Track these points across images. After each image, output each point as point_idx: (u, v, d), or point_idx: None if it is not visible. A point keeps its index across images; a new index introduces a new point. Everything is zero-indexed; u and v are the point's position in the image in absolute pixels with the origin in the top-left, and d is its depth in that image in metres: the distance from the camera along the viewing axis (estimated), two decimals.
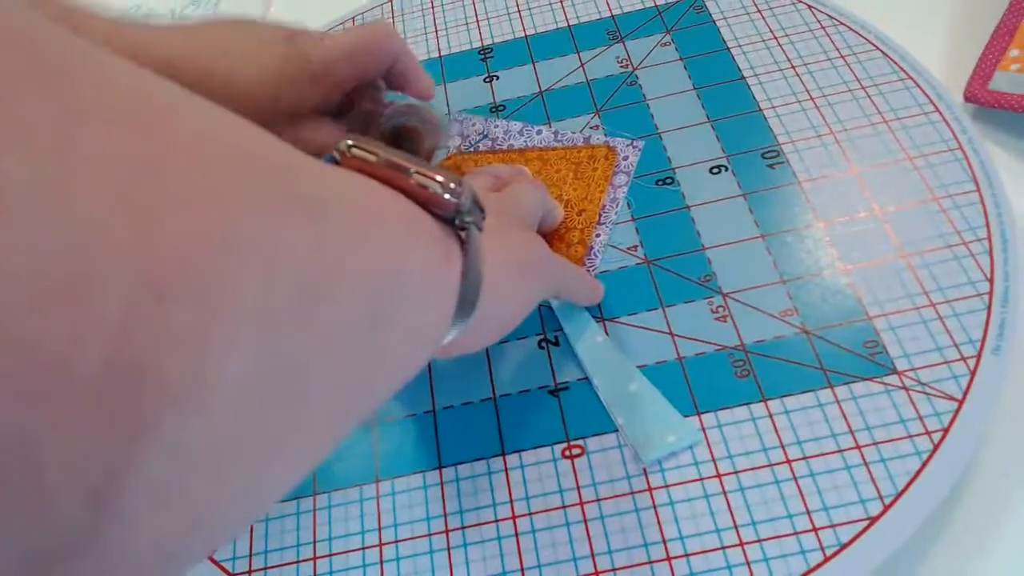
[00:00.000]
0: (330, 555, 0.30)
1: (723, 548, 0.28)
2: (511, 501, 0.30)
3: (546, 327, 0.35)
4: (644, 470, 0.30)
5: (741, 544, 0.28)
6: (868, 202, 0.35)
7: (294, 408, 0.14)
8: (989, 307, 0.31)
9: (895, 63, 0.40)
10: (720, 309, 0.34)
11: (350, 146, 0.21)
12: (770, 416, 0.30)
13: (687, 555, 0.28)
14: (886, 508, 0.27)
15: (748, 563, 0.27)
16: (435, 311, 0.20)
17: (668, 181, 0.39)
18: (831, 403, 0.30)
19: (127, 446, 0.11)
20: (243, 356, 0.12)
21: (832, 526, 0.28)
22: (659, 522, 0.29)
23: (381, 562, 0.30)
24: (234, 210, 0.13)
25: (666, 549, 0.28)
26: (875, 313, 0.32)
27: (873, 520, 0.27)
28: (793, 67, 0.41)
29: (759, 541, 0.28)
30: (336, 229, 0.16)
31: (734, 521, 0.28)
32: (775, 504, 0.28)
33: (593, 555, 0.29)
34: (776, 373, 0.31)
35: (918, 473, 0.28)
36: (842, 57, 0.41)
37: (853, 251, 0.34)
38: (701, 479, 0.30)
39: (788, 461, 0.29)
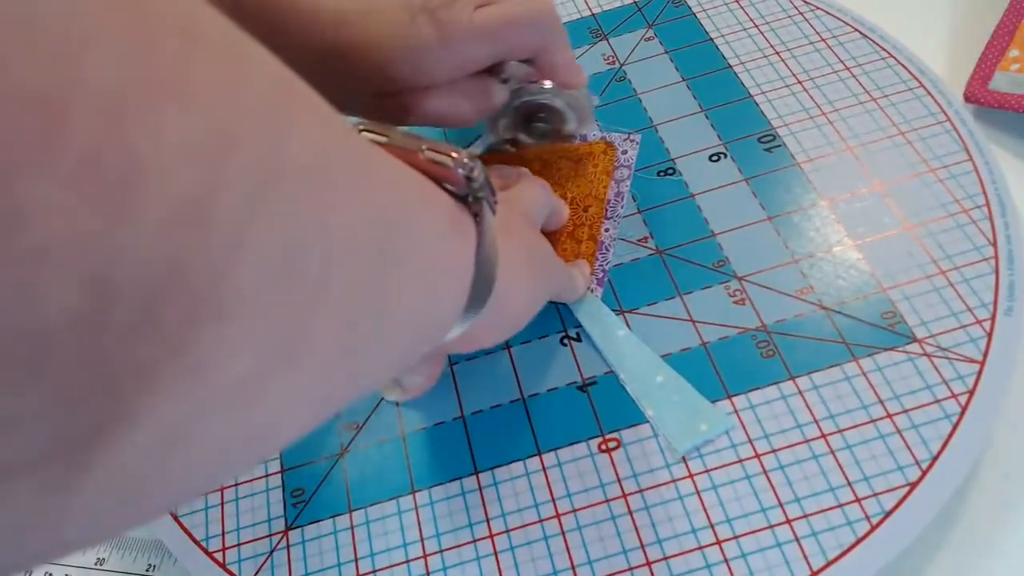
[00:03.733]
0: (374, 571, 0.30)
1: (771, 527, 0.28)
2: (553, 500, 0.30)
3: (566, 324, 0.35)
4: (683, 457, 0.30)
5: (788, 521, 0.28)
6: (867, 178, 0.36)
7: (313, 304, 0.14)
8: (996, 270, 0.32)
9: (875, 43, 0.41)
10: (737, 292, 0.34)
11: (361, 130, 0.21)
12: (800, 393, 0.31)
13: (736, 537, 0.28)
14: (924, 472, 0.28)
15: (797, 539, 0.28)
16: (448, 279, 0.20)
17: (669, 172, 0.39)
18: (857, 375, 0.31)
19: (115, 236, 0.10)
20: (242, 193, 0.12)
21: (875, 495, 0.28)
22: (704, 507, 0.29)
23: (428, 574, 0.29)
24: (245, 70, 0.12)
25: (715, 533, 0.28)
26: (889, 285, 0.33)
27: (913, 485, 0.28)
28: (777, 53, 0.42)
29: (805, 516, 0.28)
30: (352, 141, 0.16)
31: (778, 499, 0.29)
32: (816, 479, 0.29)
33: (643, 545, 0.29)
34: (800, 351, 0.32)
35: (950, 435, 0.29)
36: (823, 40, 0.42)
37: (859, 226, 0.35)
38: (740, 461, 0.30)
39: (823, 436, 0.30)
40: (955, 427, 0.29)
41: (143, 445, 0.11)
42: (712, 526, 0.29)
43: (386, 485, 0.32)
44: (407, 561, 0.30)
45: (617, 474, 0.30)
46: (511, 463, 0.31)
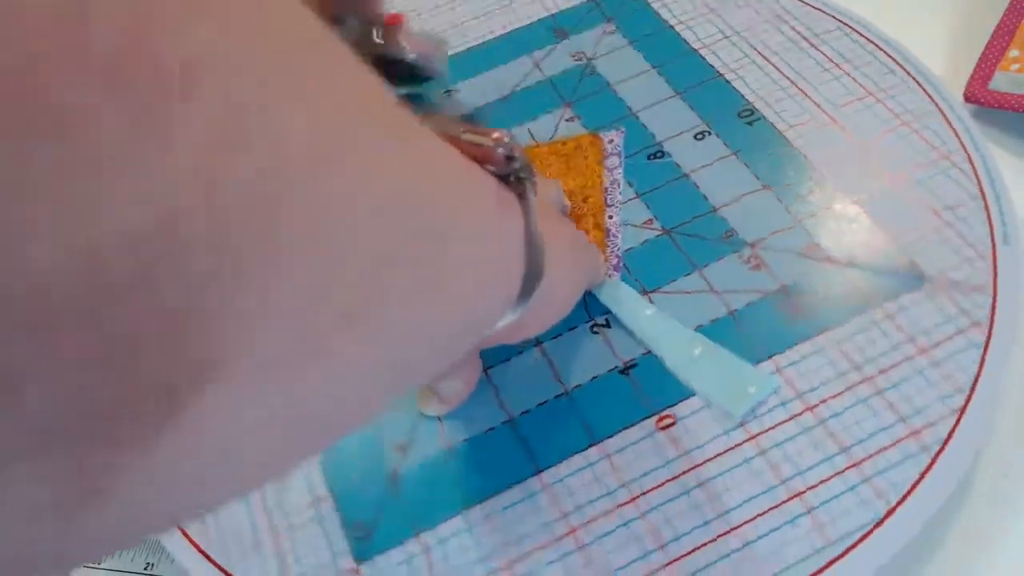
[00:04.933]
0: None
1: (839, 473, 0.29)
2: (623, 485, 0.30)
3: (592, 312, 0.35)
4: (740, 422, 0.31)
5: (854, 464, 0.29)
6: (849, 138, 0.38)
7: (346, 278, 0.13)
8: (986, 208, 0.35)
9: (828, 14, 0.44)
10: (752, 259, 0.35)
11: None
12: (835, 345, 0.32)
13: (811, 487, 0.29)
14: (968, 399, 0.30)
15: (867, 480, 0.29)
16: (496, 263, 0.20)
17: (659, 155, 0.40)
18: (884, 320, 0.32)
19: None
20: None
21: (928, 426, 0.29)
22: (772, 466, 0.30)
23: None
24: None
25: (790, 487, 0.29)
26: (893, 231, 0.35)
27: (961, 411, 0.29)
28: (737, 33, 0.44)
29: (869, 457, 0.29)
30: (393, 104, 0.16)
31: (839, 446, 0.30)
32: (869, 420, 0.30)
33: (725, 513, 0.29)
34: (823, 305, 0.33)
35: (982, 365, 0.30)
36: (779, 17, 0.44)
37: (851, 184, 0.37)
38: (793, 417, 0.31)
39: (866, 380, 0.31)
40: (983, 356, 0.31)
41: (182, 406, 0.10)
42: (784, 482, 0.29)
43: (447, 501, 0.31)
44: (491, 573, 0.29)
45: (678, 449, 0.31)
46: (571, 456, 0.31)
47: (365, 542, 0.30)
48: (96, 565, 0.31)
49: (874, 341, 0.32)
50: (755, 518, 0.29)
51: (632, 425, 0.32)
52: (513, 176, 0.21)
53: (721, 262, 0.35)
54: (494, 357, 0.34)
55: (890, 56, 0.41)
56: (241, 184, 0.10)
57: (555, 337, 0.35)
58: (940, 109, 0.38)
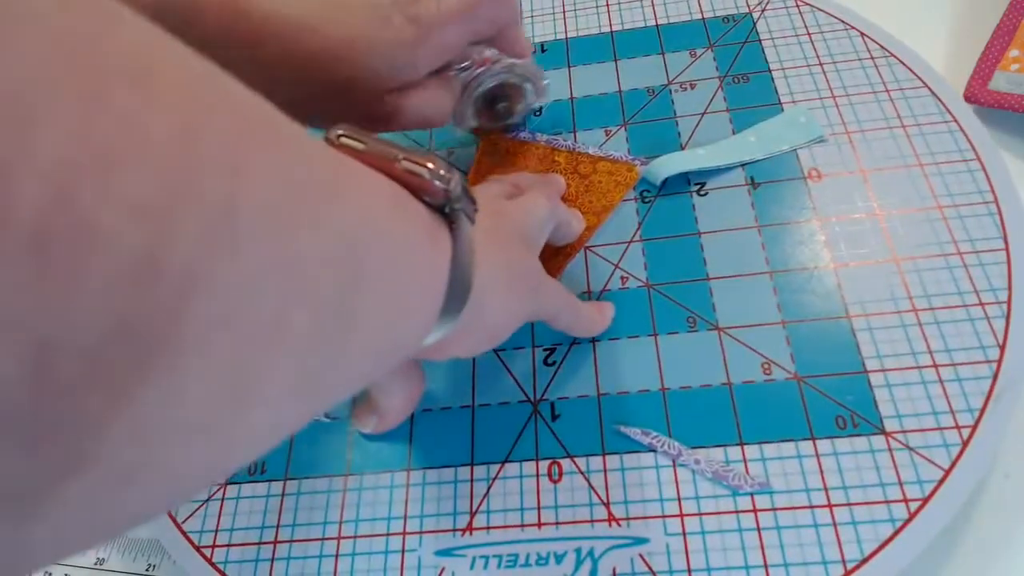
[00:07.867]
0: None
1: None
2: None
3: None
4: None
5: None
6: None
7: (270, 344, 0.14)
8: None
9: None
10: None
11: (339, 135, 0.21)
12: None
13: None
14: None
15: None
16: (419, 294, 0.20)
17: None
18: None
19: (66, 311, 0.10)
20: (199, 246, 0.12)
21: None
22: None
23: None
24: (202, 116, 0.12)
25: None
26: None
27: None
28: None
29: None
30: (315, 173, 0.16)
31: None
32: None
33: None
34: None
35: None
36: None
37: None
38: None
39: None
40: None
41: (97, 482, 0.11)
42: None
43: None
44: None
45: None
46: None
47: None
48: (98, 566, 0.32)
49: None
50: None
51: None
52: (448, 207, 0.21)
53: None
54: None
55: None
56: (153, 308, 0.11)
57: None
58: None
